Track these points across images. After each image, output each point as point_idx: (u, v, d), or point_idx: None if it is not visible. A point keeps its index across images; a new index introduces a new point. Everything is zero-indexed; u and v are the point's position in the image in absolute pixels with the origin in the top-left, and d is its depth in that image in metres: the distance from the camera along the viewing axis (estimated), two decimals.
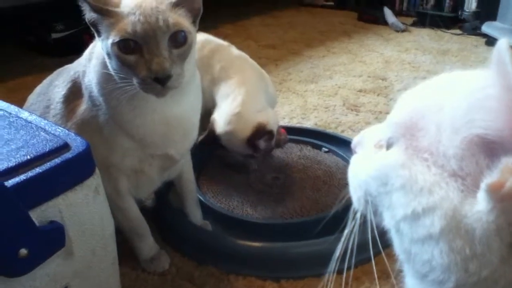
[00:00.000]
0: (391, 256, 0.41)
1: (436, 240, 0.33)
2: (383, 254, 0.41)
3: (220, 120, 1.10)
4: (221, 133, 1.10)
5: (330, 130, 1.52)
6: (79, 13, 0.72)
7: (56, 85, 0.85)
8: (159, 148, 0.82)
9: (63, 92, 0.82)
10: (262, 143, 1.08)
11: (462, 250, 0.32)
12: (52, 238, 0.56)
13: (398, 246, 0.38)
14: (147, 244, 0.93)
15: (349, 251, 0.41)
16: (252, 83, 1.15)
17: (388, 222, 0.38)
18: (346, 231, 0.42)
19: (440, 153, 0.33)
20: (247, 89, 1.12)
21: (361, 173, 0.41)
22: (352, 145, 0.45)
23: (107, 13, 0.69)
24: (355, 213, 0.42)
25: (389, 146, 0.38)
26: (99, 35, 0.73)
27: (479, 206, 0.31)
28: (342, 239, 0.42)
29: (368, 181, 0.39)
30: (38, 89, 0.92)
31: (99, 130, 0.78)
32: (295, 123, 1.59)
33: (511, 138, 0.30)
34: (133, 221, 0.90)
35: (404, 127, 0.37)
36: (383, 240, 0.40)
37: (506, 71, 0.29)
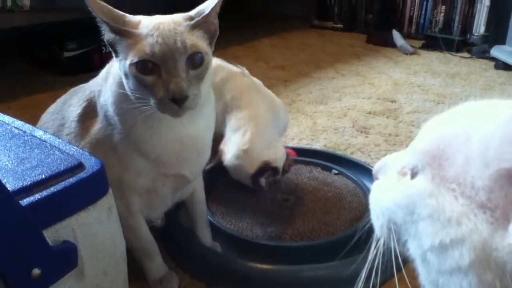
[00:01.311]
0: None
1: (465, 272, 0.32)
2: (406, 278, 0.40)
3: (229, 153, 1.13)
4: (228, 166, 1.14)
5: (340, 151, 1.52)
6: (91, 33, 0.73)
7: (71, 104, 0.85)
8: (173, 168, 0.82)
9: (78, 111, 0.83)
10: (263, 181, 1.10)
11: (493, 284, 0.31)
12: (65, 258, 0.55)
13: (424, 276, 0.37)
14: (156, 265, 0.92)
15: (373, 275, 0.40)
16: (262, 116, 1.18)
17: (414, 251, 0.37)
18: (369, 258, 0.41)
19: (467, 184, 0.33)
20: (256, 124, 1.15)
21: (385, 200, 0.40)
22: (374, 171, 0.45)
23: (126, 34, 0.70)
24: (377, 241, 0.42)
25: (414, 174, 0.37)
26: (116, 55, 0.73)
27: (510, 239, 0.30)
28: (366, 265, 0.41)
29: (393, 208, 0.38)
30: (52, 108, 0.92)
31: (113, 149, 0.78)
32: (304, 144, 1.58)
33: None
34: (143, 241, 0.89)
35: (431, 156, 0.36)
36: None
37: None
